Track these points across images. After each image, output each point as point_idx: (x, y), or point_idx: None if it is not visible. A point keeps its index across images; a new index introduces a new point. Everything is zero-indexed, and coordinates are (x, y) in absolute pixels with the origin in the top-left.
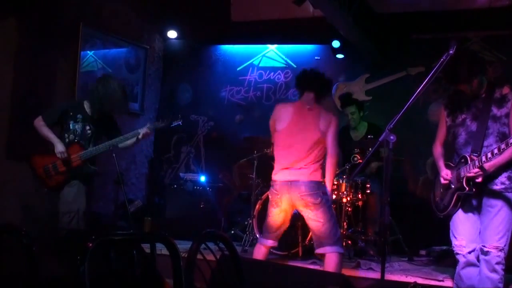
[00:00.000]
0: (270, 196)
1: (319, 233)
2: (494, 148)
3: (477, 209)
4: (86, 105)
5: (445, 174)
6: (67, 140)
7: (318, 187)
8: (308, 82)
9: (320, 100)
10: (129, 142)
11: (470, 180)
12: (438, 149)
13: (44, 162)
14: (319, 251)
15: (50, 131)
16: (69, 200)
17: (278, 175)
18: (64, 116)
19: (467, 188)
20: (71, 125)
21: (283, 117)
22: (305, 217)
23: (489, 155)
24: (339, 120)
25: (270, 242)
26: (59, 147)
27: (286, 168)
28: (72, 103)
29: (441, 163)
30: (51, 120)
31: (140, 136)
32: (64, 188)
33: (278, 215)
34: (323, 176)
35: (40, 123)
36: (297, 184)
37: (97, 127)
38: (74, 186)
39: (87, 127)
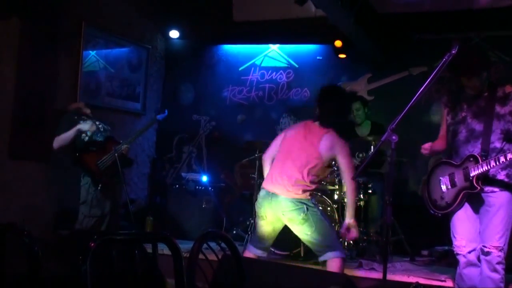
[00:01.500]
0: (256, 208)
1: (311, 244)
2: (509, 152)
3: (476, 209)
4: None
5: (425, 145)
6: (87, 139)
7: (300, 203)
8: (320, 100)
9: (327, 122)
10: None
11: (479, 179)
12: (437, 141)
13: (94, 159)
14: (321, 258)
15: (65, 131)
16: (93, 204)
17: (266, 183)
18: (71, 123)
19: (478, 188)
20: (82, 125)
21: (293, 127)
22: (293, 231)
23: (502, 159)
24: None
25: (259, 253)
26: (84, 126)
27: (277, 176)
28: (72, 111)
29: (430, 144)
30: (63, 130)
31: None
32: (89, 191)
33: (265, 227)
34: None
35: (56, 140)
36: (277, 199)
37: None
38: (97, 191)
39: (97, 123)
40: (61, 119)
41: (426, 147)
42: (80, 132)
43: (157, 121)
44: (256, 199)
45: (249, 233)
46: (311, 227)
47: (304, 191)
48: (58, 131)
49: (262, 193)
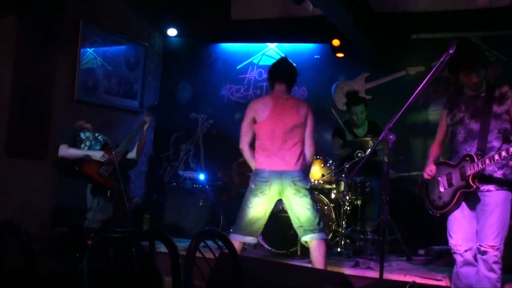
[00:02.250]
0: (253, 185)
1: (305, 220)
2: (503, 151)
3: (473, 208)
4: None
5: (429, 170)
6: (86, 148)
7: (307, 174)
8: (279, 74)
9: (290, 90)
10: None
11: (476, 177)
12: (435, 150)
13: (95, 168)
14: (306, 238)
15: (76, 149)
16: (98, 209)
17: (266, 163)
18: (75, 133)
19: (474, 186)
20: (81, 135)
21: (263, 109)
22: (293, 206)
23: (497, 157)
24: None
25: (249, 239)
26: (96, 154)
27: (274, 156)
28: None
29: (430, 159)
30: (70, 140)
31: (146, 126)
32: (91, 198)
33: (260, 205)
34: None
35: (64, 150)
36: (287, 172)
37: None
38: (100, 198)
39: (95, 134)
40: (69, 131)
41: (431, 173)
42: (89, 158)
43: (150, 115)
44: (254, 177)
45: None
46: (312, 200)
47: (303, 164)
48: (66, 141)
49: (265, 173)
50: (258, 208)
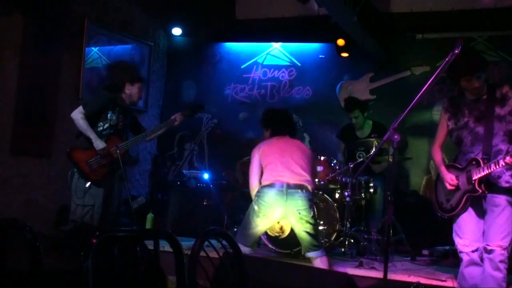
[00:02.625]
0: (256, 207)
1: (306, 240)
2: (508, 155)
3: (481, 209)
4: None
5: (450, 179)
6: (100, 128)
7: (309, 200)
8: (281, 128)
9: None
10: (159, 132)
11: (482, 182)
12: (438, 154)
13: (86, 157)
14: (310, 255)
15: (88, 126)
16: (86, 193)
17: (272, 176)
18: (103, 107)
19: (480, 191)
20: (109, 115)
21: (265, 142)
22: (294, 228)
23: (501, 162)
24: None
25: (247, 250)
26: (99, 144)
27: (282, 170)
28: (110, 96)
29: (443, 169)
30: (92, 109)
31: (176, 123)
32: (80, 181)
33: (262, 227)
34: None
35: (79, 116)
36: (293, 197)
37: (127, 120)
38: (85, 185)
39: (120, 119)
40: (99, 96)
41: (453, 183)
42: (90, 141)
43: (185, 116)
44: (257, 198)
45: None
46: (314, 224)
47: (312, 182)
48: (87, 106)
49: (272, 191)
50: (259, 228)
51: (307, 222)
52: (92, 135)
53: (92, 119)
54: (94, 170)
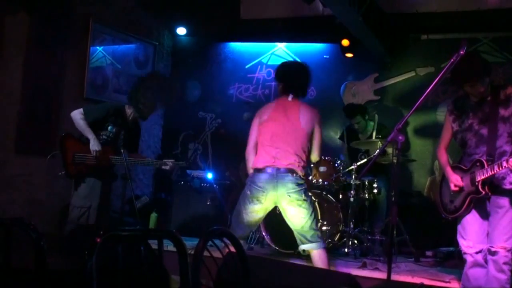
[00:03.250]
0: (248, 192)
1: (301, 229)
2: (511, 157)
3: (485, 210)
4: (128, 110)
5: (455, 180)
6: (100, 138)
7: (301, 184)
8: (288, 83)
9: (299, 96)
10: (147, 165)
11: (486, 183)
12: (443, 155)
13: (76, 149)
14: (304, 247)
15: (87, 126)
16: (84, 195)
17: (262, 159)
18: (106, 117)
19: (483, 192)
20: (109, 128)
21: (266, 111)
22: (287, 214)
23: (504, 164)
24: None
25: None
26: (95, 145)
27: (272, 152)
28: (117, 106)
29: (448, 169)
30: (93, 117)
31: (164, 167)
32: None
33: (256, 212)
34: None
35: (79, 116)
36: (283, 180)
37: (129, 135)
38: (89, 181)
39: (122, 133)
40: (104, 104)
41: (458, 184)
42: (87, 139)
43: (175, 167)
44: (250, 183)
45: (253, 231)
46: (308, 209)
47: (303, 167)
48: (89, 112)
49: (263, 175)
50: (254, 214)
51: (299, 205)
52: (90, 135)
53: (92, 127)
54: (75, 163)
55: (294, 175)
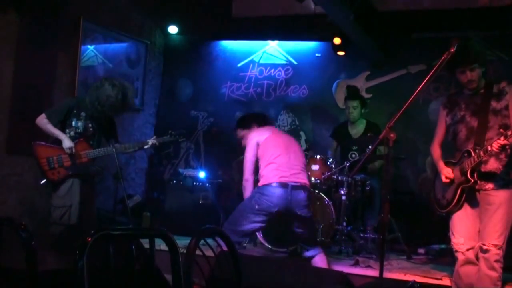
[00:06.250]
0: (256, 205)
1: (303, 238)
2: (495, 141)
3: (476, 207)
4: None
5: (447, 172)
6: (68, 136)
7: (309, 198)
8: (262, 119)
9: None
10: (130, 150)
11: (474, 171)
12: (436, 151)
13: (48, 153)
14: (308, 254)
15: (55, 128)
16: (63, 194)
17: (274, 175)
18: (68, 113)
19: (472, 180)
20: (73, 123)
21: (262, 134)
22: (290, 224)
23: (489, 148)
24: (338, 118)
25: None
26: (67, 142)
27: (283, 166)
28: (77, 100)
29: (441, 163)
30: (56, 119)
31: (147, 146)
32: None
33: (258, 224)
34: None
35: (43, 121)
36: (297, 197)
37: (99, 125)
38: (68, 181)
39: (90, 125)
40: (63, 103)
41: (449, 175)
42: (60, 141)
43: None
44: (260, 196)
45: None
46: (310, 221)
47: (309, 182)
48: (51, 115)
49: (278, 191)
50: (255, 225)
51: (306, 220)
52: (61, 135)
53: (61, 128)
54: (53, 168)
55: (305, 191)
